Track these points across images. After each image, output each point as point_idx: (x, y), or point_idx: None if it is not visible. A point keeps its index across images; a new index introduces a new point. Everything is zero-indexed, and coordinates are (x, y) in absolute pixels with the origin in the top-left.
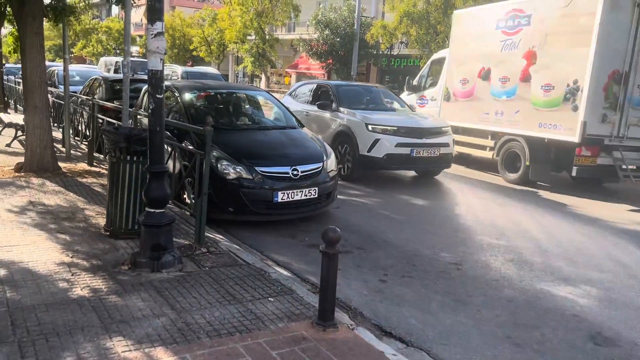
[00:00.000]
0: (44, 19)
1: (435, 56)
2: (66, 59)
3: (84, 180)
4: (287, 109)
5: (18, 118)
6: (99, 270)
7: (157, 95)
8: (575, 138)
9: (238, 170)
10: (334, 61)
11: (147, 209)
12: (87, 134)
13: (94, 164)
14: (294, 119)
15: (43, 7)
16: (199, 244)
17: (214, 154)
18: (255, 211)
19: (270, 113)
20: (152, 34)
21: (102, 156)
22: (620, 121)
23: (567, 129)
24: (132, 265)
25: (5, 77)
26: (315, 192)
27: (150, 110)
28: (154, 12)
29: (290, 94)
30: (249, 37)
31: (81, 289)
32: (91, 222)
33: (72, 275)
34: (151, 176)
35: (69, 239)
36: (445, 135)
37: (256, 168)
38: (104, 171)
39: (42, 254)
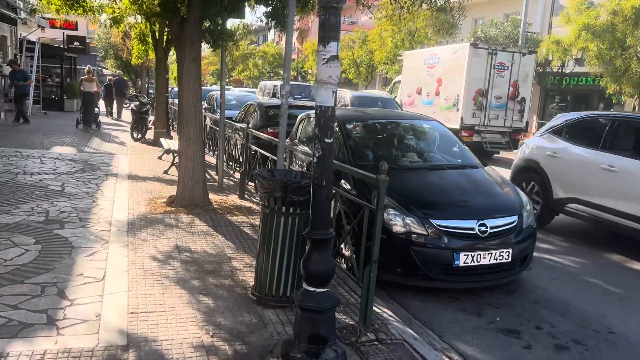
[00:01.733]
0: (203, 44)
1: (396, 79)
2: (223, 85)
3: (234, 218)
4: (462, 141)
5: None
6: None
7: (326, 140)
8: (458, 126)
9: (408, 222)
10: None
11: (305, 286)
12: (241, 160)
13: (246, 196)
14: (473, 155)
15: (201, 31)
16: (364, 326)
17: None
18: (428, 275)
19: (442, 147)
20: (323, 59)
21: (253, 184)
22: (484, 116)
23: (455, 121)
24: (282, 359)
25: (170, 101)
26: (508, 255)
27: (315, 159)
28: (329, 29)
29: (553, 132)
30: (399, 58)
31: None
32: (238, 278)
33: None
34: (312, 244)
35: (211, 305)
36: None
37: (431, 220)
38: (255, 207)
39: (180, 327)
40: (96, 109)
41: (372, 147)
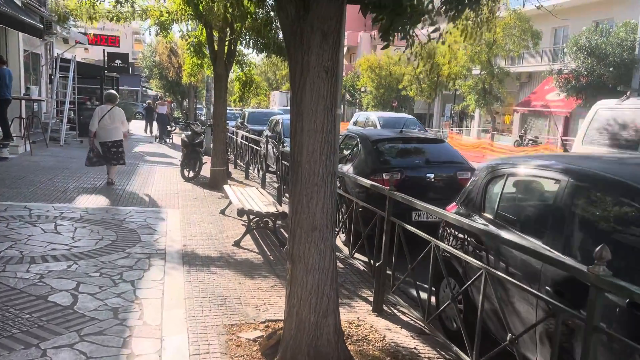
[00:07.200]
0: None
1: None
2: (337, 115)
3: None
4: None
5: (249, 194)
6: None
7: None
8: None
9: None
10: (592, 96)
11: None
12: (342, 218)
13: (384, 306)
14: None
15: (343, 11)
16: None
17: None
18: None
19: None
20: None
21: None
22: None
23: None
24: None
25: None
26: None
27: None
28: None
29: None
30: (474, 72)
31: None
32: None
33: None
34: None
35: None
36: None
37: None
38: (422, 348)
39: None
40: (168, 127)
41: None
